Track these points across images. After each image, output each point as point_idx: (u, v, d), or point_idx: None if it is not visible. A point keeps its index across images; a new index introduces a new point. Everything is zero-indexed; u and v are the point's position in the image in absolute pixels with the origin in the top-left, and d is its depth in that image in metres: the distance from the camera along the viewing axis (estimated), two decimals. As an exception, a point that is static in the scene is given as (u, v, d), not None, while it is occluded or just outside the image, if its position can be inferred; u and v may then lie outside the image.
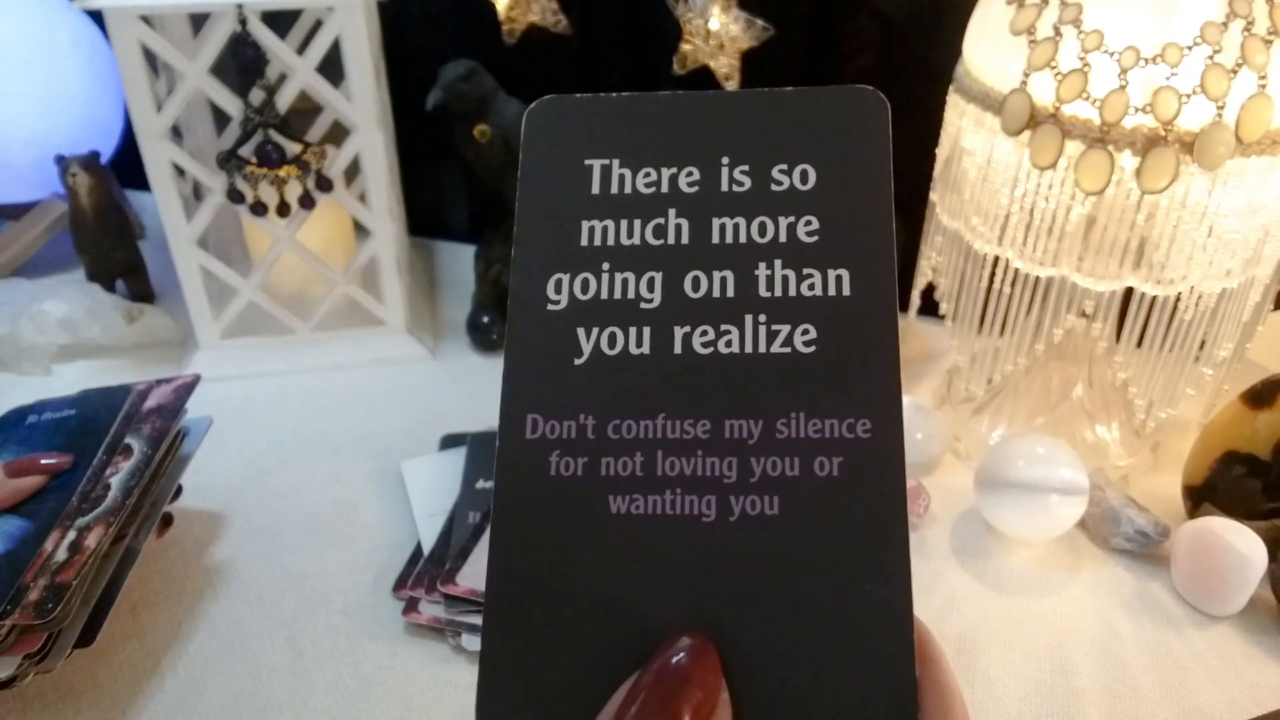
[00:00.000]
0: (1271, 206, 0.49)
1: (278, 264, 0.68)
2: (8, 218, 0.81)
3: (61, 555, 0.44)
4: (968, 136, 0.54)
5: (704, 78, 0.69)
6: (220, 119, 0.73)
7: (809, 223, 0.23)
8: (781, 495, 0.21)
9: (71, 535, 0.45)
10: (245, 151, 0.63)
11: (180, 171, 0.64)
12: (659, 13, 0.68)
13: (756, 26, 0.68)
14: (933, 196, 0.60)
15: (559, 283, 0.23)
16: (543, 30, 0.71)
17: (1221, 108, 0.45)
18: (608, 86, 0.76)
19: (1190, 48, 0.45)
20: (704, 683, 0.20)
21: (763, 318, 0.23)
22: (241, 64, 0.60)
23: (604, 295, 0.23)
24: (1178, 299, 0.52)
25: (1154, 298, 0.52)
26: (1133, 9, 0.46)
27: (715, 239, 0.24)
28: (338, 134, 0.66)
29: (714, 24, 0.67)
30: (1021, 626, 0.51)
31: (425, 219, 0.87)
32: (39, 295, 0.72)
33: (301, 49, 0.62)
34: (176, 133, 0.69)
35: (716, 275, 0.23)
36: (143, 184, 0.64)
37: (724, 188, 0.24)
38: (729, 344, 0.23)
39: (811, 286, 0.23)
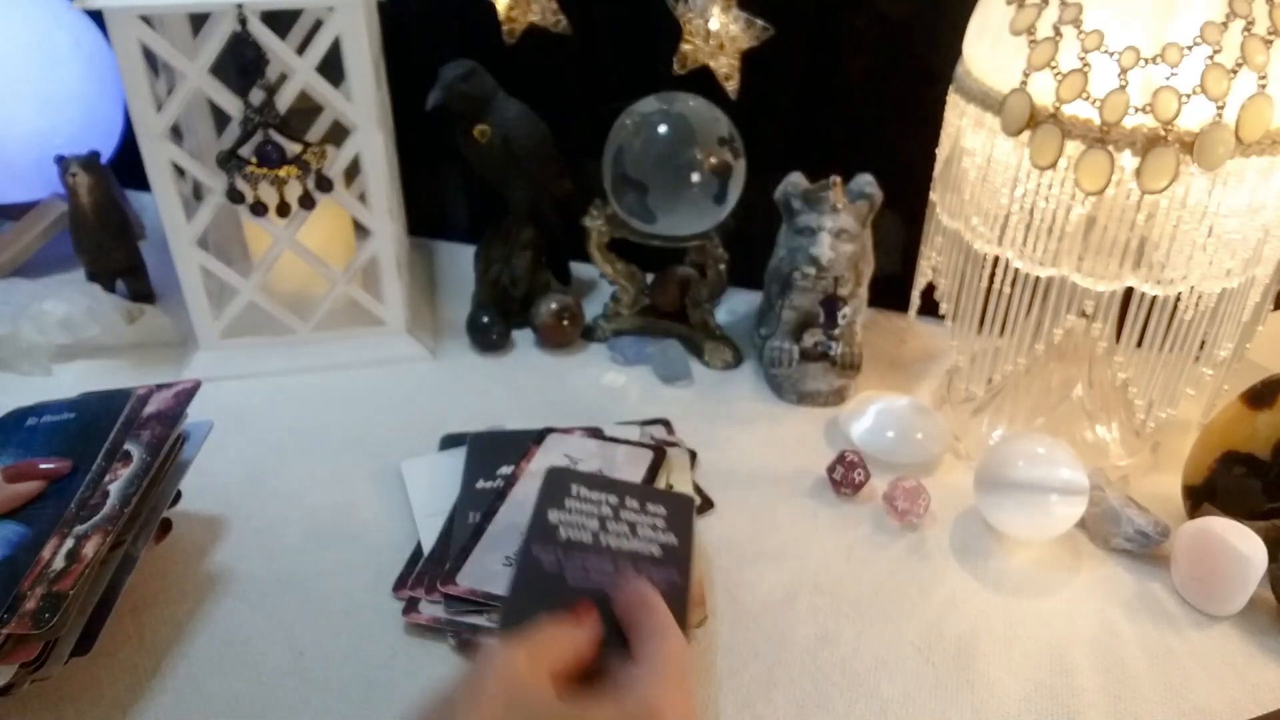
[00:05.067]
0: (1271, 206, 0.49)
1: (278, 264, 0.68)
2: (8, 218, 0.81)
3: (59, 563, 0.44)
4: (968, 136, 0.54)
5: (704, 77, 0.69)
6: (220, 119, 0.73)
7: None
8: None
9: (70, 543, 0.45)
10: (245, 151, 0.63)
11: (180, 171, 0.64)
12: (659, 13, 0.68)
13: (756, 26, 0.68)
14: (933, 196, 0.60)
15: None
16: (543, 30, 0.71)
17: (1221, 108, 0.45)
18: (608, 87, 0.76)
19: (1190, 48, 0.45)
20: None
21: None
22: (241, 64, 0.60)
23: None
24: (1178, 299, 0.52)
25: (1154, 298, 0.52)
26: (1133, 9, 0.46)
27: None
28: (338, 134, 0.66)
29: (714, 24, 0.67)
30: (1021, 626, 0.51)
31: (425, 219, 0.87)
32: (39, 295, 0.72)
33: (301, 49, 0.62)
34: (176, 133, 0.69)
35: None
36: (143, 184, 0.64)
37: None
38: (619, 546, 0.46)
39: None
